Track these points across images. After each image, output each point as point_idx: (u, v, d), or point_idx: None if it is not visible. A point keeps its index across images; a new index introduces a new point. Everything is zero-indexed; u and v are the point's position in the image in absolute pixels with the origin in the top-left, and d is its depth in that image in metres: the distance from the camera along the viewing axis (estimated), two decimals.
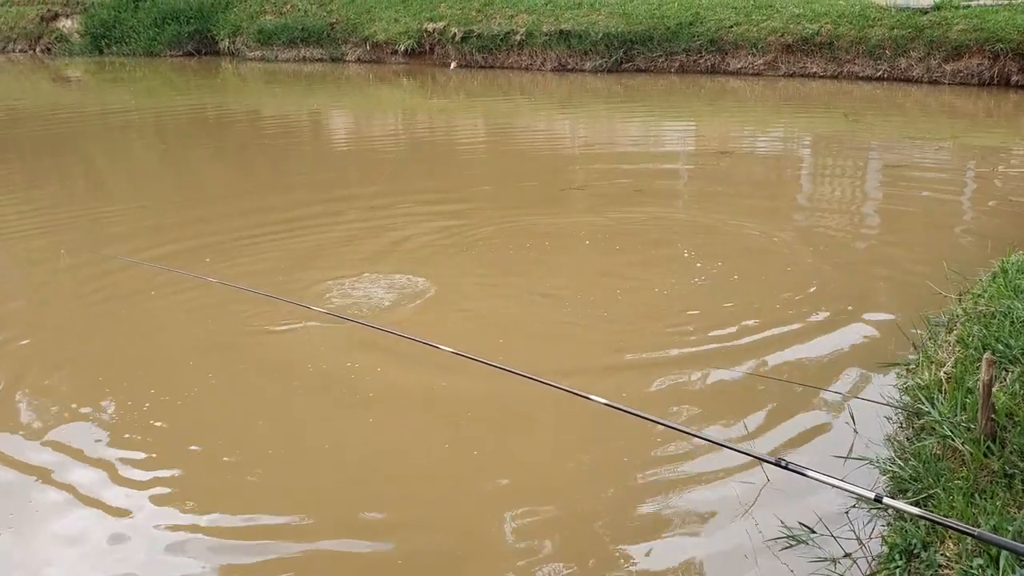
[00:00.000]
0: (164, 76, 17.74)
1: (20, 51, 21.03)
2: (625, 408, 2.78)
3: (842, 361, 4.56)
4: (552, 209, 7.51)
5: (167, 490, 3.75)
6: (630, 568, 3.20)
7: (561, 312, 5.34)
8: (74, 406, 4.41)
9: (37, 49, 20.85)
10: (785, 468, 2.49)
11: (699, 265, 5.91)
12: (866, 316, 5.07)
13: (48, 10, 20.83)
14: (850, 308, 5.17)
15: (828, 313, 5.11)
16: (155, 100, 15.50)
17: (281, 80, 16.69)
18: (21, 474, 3.88)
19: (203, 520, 3.54)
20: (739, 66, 13.93)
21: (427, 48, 16.28)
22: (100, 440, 4.11)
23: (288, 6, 18.15)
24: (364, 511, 3.60)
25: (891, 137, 10.30)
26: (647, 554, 3.27)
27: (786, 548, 3.19)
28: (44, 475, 3.86)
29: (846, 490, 2.38)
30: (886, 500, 2.32)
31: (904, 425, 3.76)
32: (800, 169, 9.04)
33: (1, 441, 4.14)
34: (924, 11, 12.84)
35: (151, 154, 11.56)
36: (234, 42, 18.46)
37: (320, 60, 17.45)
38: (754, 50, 13.73)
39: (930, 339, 4.32)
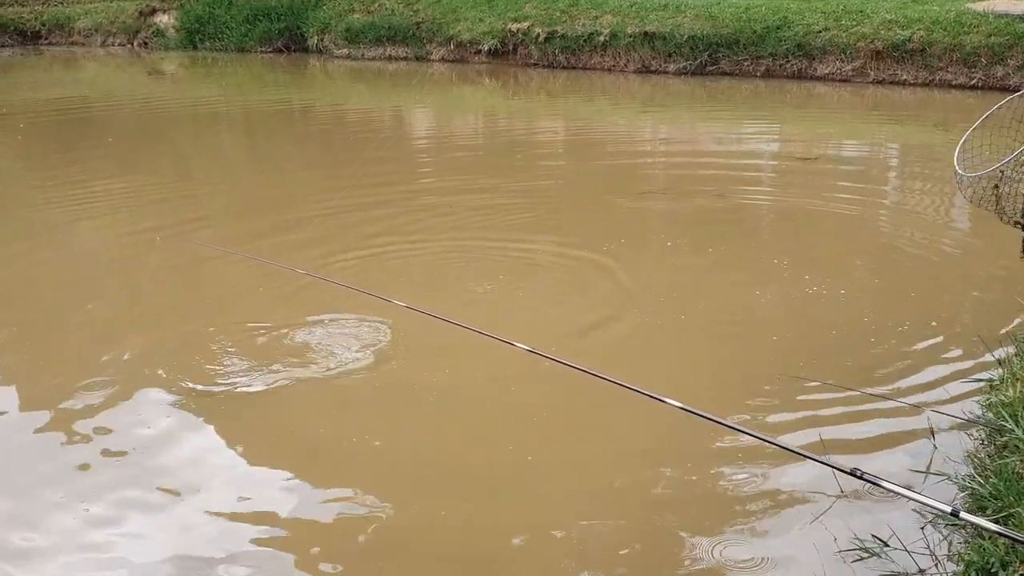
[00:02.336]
0: (254, 71, 18.22)
1: (119, 45, 21.81)
2: (699, 412, 2.77)
3: (924, 375, 4.46)
4: (630, 210, 7.49)
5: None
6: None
7: (632, 314, 5.35)
8: (148, 383, 4.59)
9: (135, 43, 21.59)
10: (860, 478, 2.47)
11: (787, 275, 5.85)
12: (950, 330, 4.95)
13: (147, 5, 21.55)
14: (934, 323, 5.05)
15: (912, 326, 5.00)
16: (244, 94, 15.93)
17: (366, 78, 16.98)
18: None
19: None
20: (826, 71, 13.65)
21: (510, 48, 16.35)
22: (182, 422, 4.28)
23: (376, 5, 18.42)
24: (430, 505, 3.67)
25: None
26: (715, 562, 3.26)
27: (858, 560, 3.15)
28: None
29: (921, 502, 2.35)
30: (963, 515, 2.28)
31: (985, 442, 3.67)
32: (887, 177, 8.84)
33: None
34: None
35: (237, 142, 11.90)
36: (322, 39, 18.82)
37: (405, 59, 17.68)
38: (843, 56, 13.44)
39: (1016, 356, 4.21)
